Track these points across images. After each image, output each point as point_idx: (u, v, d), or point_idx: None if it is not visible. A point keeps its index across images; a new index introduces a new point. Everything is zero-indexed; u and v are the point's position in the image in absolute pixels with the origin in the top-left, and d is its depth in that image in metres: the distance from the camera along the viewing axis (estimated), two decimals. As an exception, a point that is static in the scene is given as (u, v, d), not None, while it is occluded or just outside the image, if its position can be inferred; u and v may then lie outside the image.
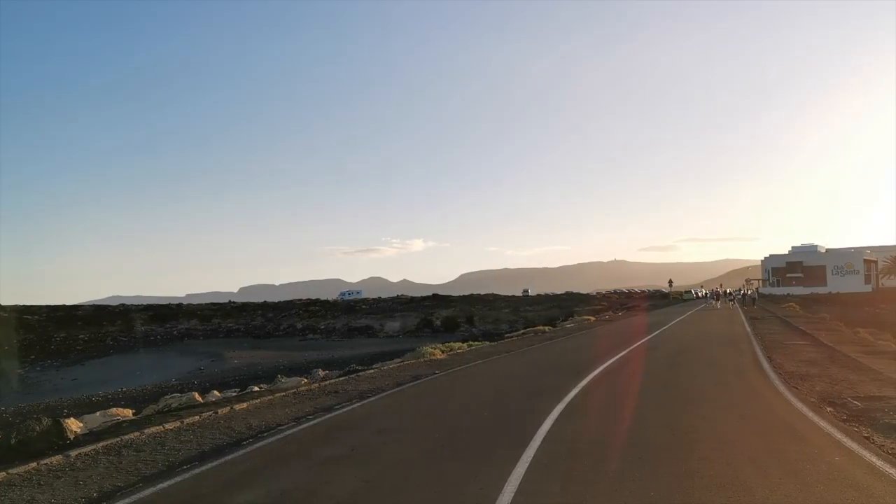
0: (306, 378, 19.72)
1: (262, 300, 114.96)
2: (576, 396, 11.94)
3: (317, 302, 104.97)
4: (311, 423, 10.52)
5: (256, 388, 18.02)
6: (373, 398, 12.90)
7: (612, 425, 9.43)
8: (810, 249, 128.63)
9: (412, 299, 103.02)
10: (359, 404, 12.22)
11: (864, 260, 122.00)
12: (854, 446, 7.59)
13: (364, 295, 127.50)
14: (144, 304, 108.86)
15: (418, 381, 15.23)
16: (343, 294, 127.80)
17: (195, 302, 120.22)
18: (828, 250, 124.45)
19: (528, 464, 7.22)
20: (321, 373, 21.46)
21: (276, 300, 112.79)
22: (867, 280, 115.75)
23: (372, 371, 18.27)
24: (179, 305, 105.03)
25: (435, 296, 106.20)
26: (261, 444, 9.05)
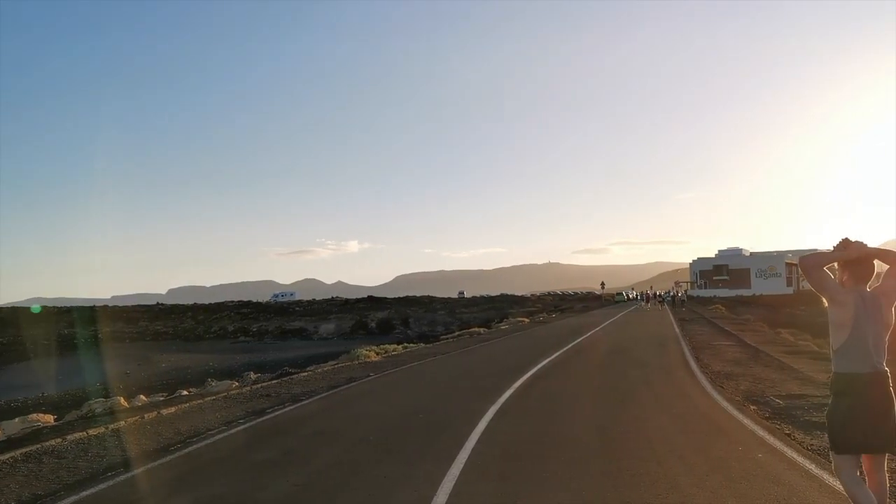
0: (237, 381, 19.36)
1: (192, 302, 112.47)
2: (510, 398, 12.03)
3: (249, 304, 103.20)
4: (243, 426, 10.31)
5: (185, 392, 17.61)
6: (306, 401, 12.74)
7: (546, 426, 9.53)
8: (736, 253, 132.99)
9: (347, 301, 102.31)
10: (292, 407, 12.04)
11: (786, 263, 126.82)
12: (776, 443, 7.84)
13: (298, 297, 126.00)
14: (68, 306, 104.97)
15: (352, 384, 15.11)
16: (276, 296, 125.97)
17: (121, 304, 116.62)
18: (752, 254, 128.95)
19: (462, 465, 7.22)
20: (253, 376, 21.11)
21: (207, 302, 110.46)
22: (789, 283, 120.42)
23: (306, 374, 18.06)
24: (105, 307, 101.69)
25: (370, 297, 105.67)
26: (190, 449, 8.82)
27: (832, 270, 4.48)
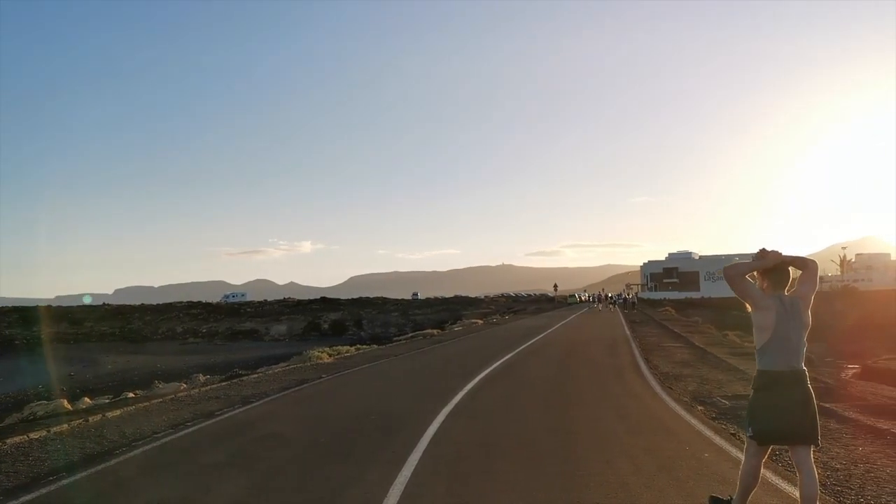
0: (186, 383, 19.02)
1: (140, 302, 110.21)
2: (462, 399, 12.05)
3: (199, 305, 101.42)
4: (190, 429, 10.11)
5: (132, 395, 17.24)
6: (256, 403, 12.56)
7: (498, 427, 9.57)
8: (685, 256, 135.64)
9: (300, 302, 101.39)
10: (241, 409, 11.86)
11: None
12: (722, 443, 8.02)
13: (249, 297, 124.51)
14: (9, 305, 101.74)
15: (304, 386, 14.95)
16: (227, 296, 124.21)
17: (66, 304, 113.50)
18: (701, 257, 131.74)
19: (414, 466, 7.21)
20: (202, 378, 20.76)
21: (155, 302, 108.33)
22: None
23: (256, 375, 17.81)
24: (49, 307, 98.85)
25: (323, 299, 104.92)
26: (135, 452, 8.61)
27: (753, 278, 5.00)
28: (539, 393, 13.05)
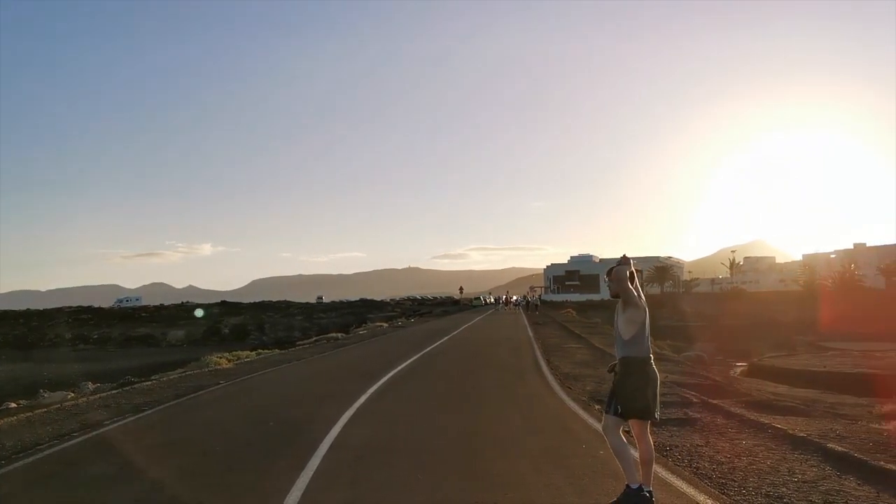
0: (74, 392, 18.12)
1: (25, 307, 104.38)
2: (365, 403, 11.94)
3: (89, 309, 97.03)
4: (77, 440, 9.60)
5: (14, 405, 16.28)
6: (149, 411, 12.05)
7: (400, 430, 9.53)
8: (586, 259, 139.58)
9: (199, 306, 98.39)
10: (133, 418, 11.35)
11: (633, 269, 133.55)
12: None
13: (144, 302, 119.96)
14: None
15: (200, 392, 14.47)
16: (120, 301, 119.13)
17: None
18: (601, 260, 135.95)
19: (312, 472, 7.08)
20: (91, 386, 19.83)
21: (42, 307, 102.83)
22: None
23: (150, 382, 17.12)
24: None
25: (224, 303, 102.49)
26: (16, 465, 8.10)
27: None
28: (442, 395, 13.11)
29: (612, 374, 5.97)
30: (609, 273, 5.85)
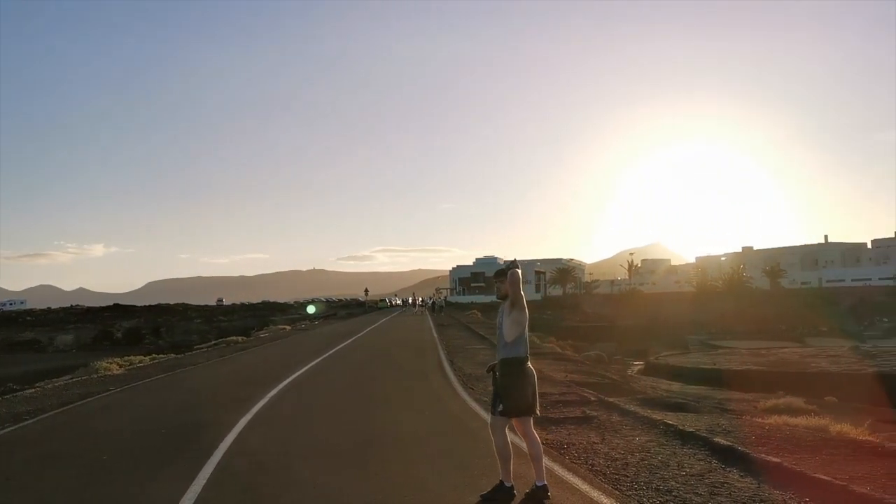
0: (-53, 402, 16.89)
1: None
2: (264, 407, 11.65)
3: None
4: (-53, 454, 8.91)
5: None
6: (30, 420, 11.33)
7: (301, 434, 9.34)
8: (491, 261, 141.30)
9: (90, 310, 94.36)
10: (11, 428, 10.64)
11: (535, 271, 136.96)
12: (515, 439, 8.32)
13: (29, 305, 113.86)
14: None
15: (89, 400, 13.73)
16: (2, 304, 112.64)
17: None
18: (505, 262, 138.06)
19: (205, 480, 6.82)
20: (-32, 395, 18.50)
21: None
22: (538, 289, 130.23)
23: (33, 390, 16.12)
24: None
25: (117, 306, 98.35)
26: None
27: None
28: (344, 398, 12.93)
29: (492, 374, 6.12)
30: (500, 275, 6.03)
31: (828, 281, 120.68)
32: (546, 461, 7.30)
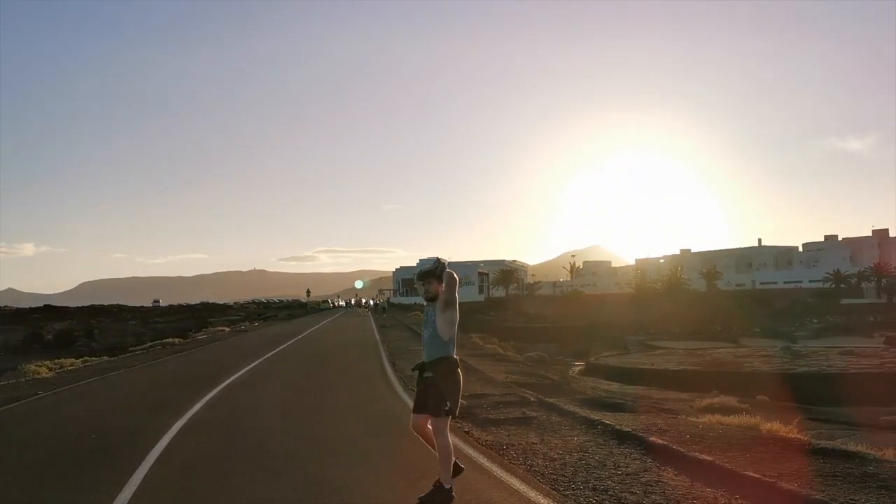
0: None
1: None
2: (199, 411, 11.38)
3: None
4: None
5: None
6: (-49, 427, 10.85)
7: (237, 438, 9.14)
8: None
9: (18, 311, 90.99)
10: (-70, 436, 10.17)
11: (479, 272, 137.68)
12: (456, 441, 8.28)
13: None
14: None
15: (15, 405, 13.18)
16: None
17: None
18: (448, 263, 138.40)
19: (136, 487, 6.61)
20: None
21: None
22: (480, 290, 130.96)
23: (-45, 395, 15.45)
24: None
25: (48, 307, 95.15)
26: None
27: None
28: (283, 401, 12.74)
29: (420, 373, 6.00)
30: (426, 276, 6.01)
31: (761, 283, 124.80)
32: (484, 462, 7.41)
